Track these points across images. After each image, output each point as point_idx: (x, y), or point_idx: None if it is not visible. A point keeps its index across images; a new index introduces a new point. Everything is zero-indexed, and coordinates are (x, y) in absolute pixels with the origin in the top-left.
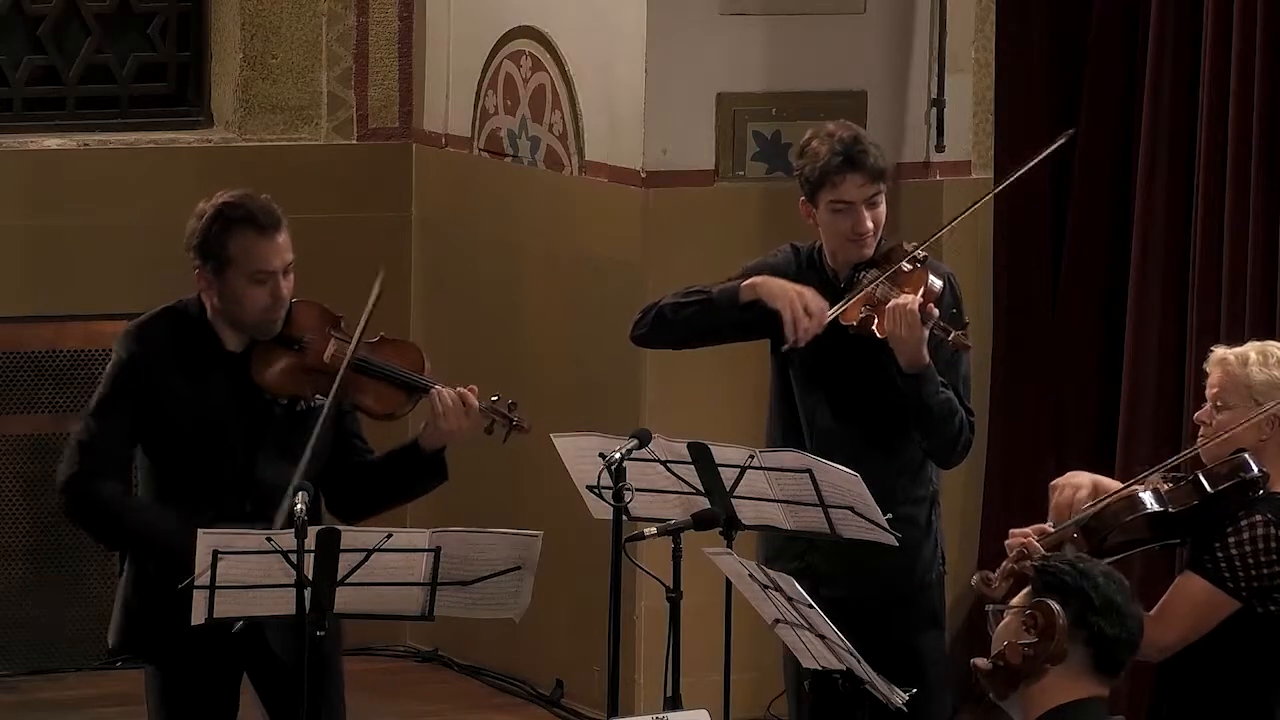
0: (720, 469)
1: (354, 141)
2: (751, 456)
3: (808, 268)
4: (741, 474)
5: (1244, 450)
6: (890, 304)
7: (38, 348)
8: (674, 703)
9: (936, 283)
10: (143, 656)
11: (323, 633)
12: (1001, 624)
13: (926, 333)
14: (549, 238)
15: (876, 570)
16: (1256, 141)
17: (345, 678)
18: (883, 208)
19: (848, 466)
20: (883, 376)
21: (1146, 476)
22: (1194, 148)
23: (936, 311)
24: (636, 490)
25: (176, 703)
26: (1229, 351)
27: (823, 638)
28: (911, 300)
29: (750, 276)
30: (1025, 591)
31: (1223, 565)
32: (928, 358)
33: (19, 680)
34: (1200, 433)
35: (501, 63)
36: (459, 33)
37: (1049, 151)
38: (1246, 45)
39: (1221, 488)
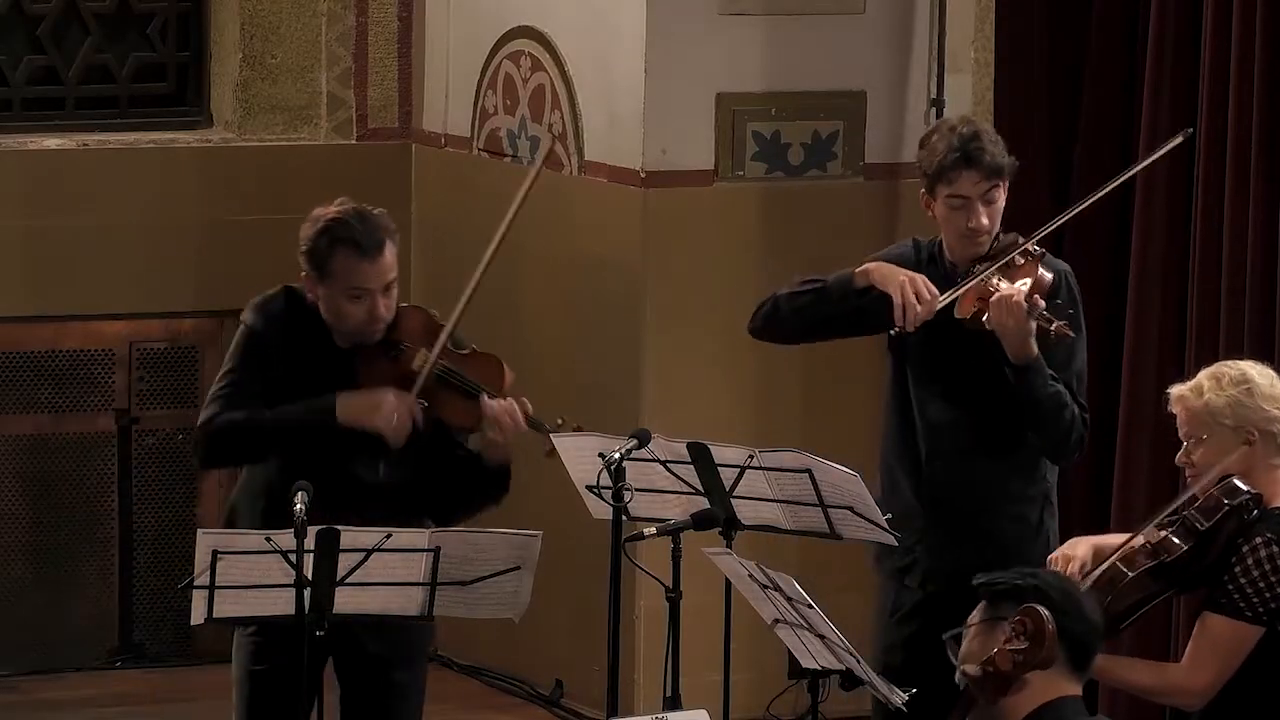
0: (720, 469)
1: (353, 141)
2: (751, 456)
3: (928, 262)
4: (741, 474)
5: (1231, 476)
6: (995, 295)
7: (37, 347)
8: (674, 703)
9: (1047, 275)
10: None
11: (322, 633)
12: (964, 645)
13: (1033, 325)
14: (548, 238)
15: (983, 568)
16: (1256, 139)
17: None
18: (1000, 203)
19: (959, 462)
20: (996, 372)
21: (1140, 530)
22: (1194, 146)
23: (1043, 303)
24: (636, 490)
25: (264, 670)
26: (1183, 388)
27: (822, 637)
28: (1017, 291)
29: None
30: (980, 608)
31: (1236, 597)
32: (1035, 349)
33: (19, 680)
34: (1187, 474)
35: (501, 63)
36: (458, 33)
37: (1167, 149)
38: (1246, 45)
39: (1214, 521)
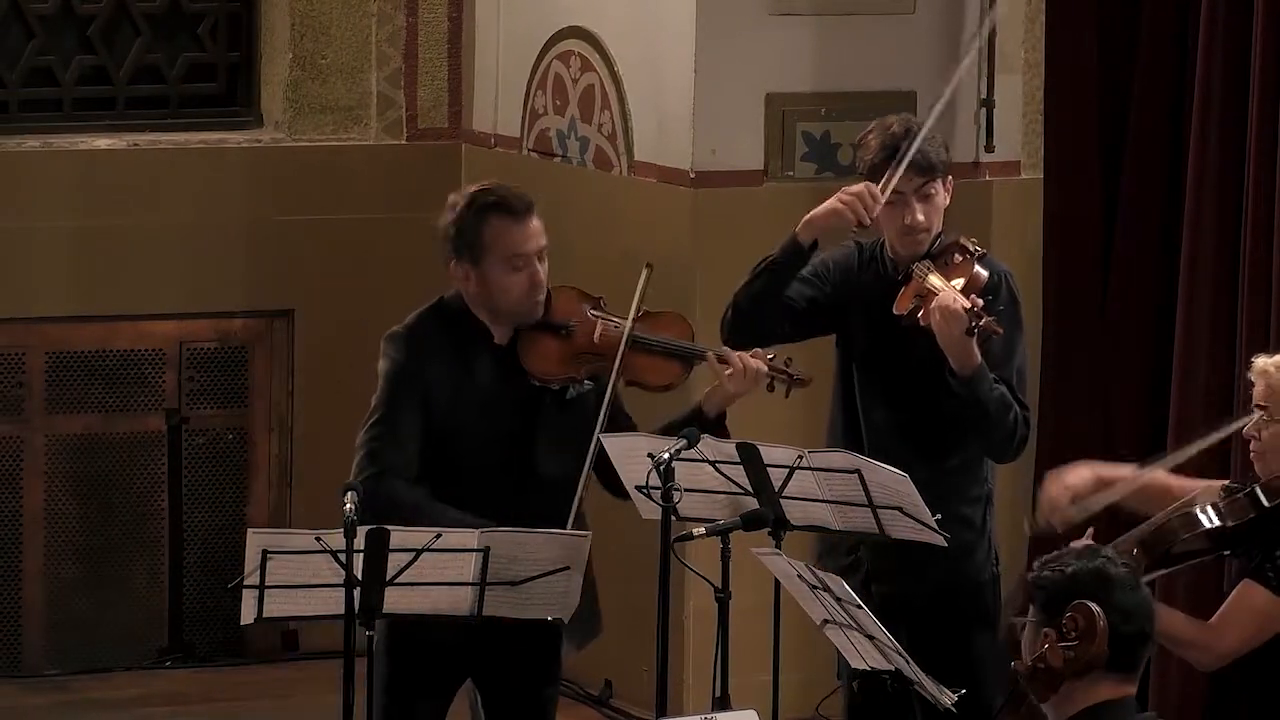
0: (769, 469)
1: (403, 142)
2: (800, 457)
3: (870, 262)
4: (790, 474)
5: None
6: (935, 304)
7: (87, 347)
8: (723, 703)
9: (981, 273)
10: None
11: (372, 632)
12: (1024, 635)
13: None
14: (597, 238)
15: (929, 569)
16: None
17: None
18: (938, 199)
19: (904, 465)
20: (939, 376)
21: (1197, 498)
22: (1244, 146)
23: (980, 302)
24: (685, 490)
25: (405, 670)
26: (1269, 361)
27: (871, 638)
28: (956, 298)
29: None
30: (1034, 607)
31: None
32: (978, 358)
33: (69, 679)
34: (1251, 448)
35: (551, 63)
36: (508, 33)
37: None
38: None
39: (1278, 501)
